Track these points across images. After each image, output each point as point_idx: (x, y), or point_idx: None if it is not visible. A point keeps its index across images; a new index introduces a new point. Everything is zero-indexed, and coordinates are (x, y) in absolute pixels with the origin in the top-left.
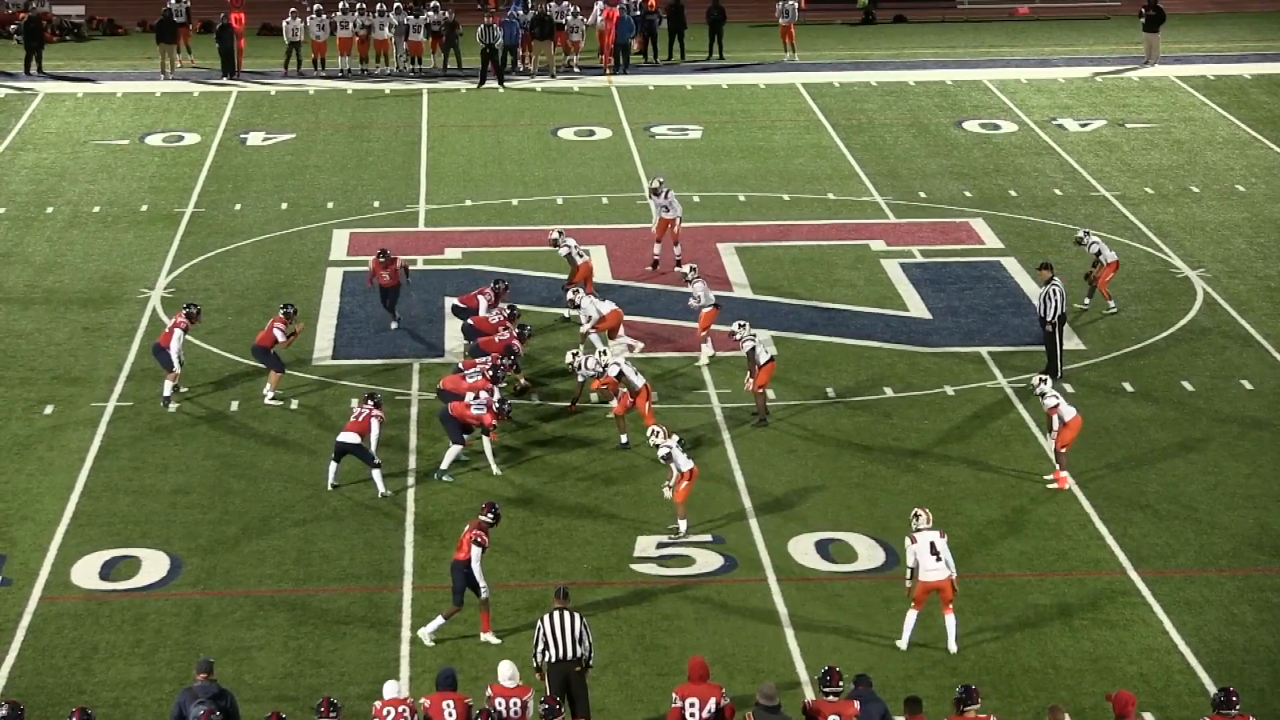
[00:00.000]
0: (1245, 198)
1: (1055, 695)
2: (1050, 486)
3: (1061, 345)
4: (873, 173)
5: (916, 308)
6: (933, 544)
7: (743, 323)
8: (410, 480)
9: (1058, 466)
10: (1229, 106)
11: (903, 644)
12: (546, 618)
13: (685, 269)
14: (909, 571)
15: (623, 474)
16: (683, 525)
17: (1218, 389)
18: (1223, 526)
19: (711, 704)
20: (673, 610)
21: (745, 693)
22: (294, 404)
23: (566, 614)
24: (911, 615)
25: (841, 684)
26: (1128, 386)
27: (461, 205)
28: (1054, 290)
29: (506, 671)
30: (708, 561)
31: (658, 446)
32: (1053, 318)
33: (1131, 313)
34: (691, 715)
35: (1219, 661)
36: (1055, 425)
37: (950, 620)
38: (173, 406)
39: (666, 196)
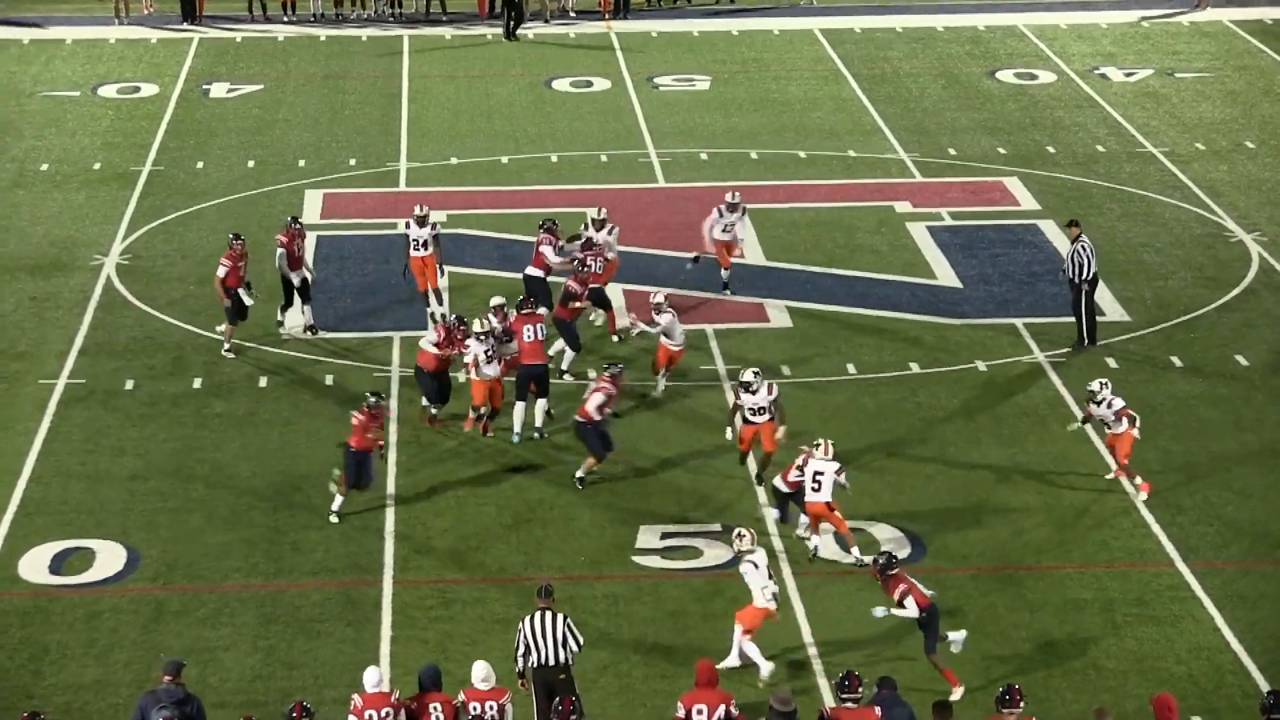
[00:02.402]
0: None
1: (1097, 698)
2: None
3: (1093, 310)
4: (897, 128)
5: (945, 275)
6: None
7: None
8: (391, 462)
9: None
10: None
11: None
12: (528, 620)
13: (657, 297)
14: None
15: (623, 459)
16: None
17: (1275, 363)
18: None
19: (721, 711)
20: (678, 607)
21: (758, 697)
22: (263, 382)
23: (549, 615)
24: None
25: (861, 689)
26: (1176, 361)
27: (446, 163)
28: (1083, 248)
29: (480, 672)
30: (716, 553)
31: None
32: (1086, 278)
33: (1180, 280)
34: None
35: (1275, 661)
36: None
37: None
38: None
39: (742, 214)
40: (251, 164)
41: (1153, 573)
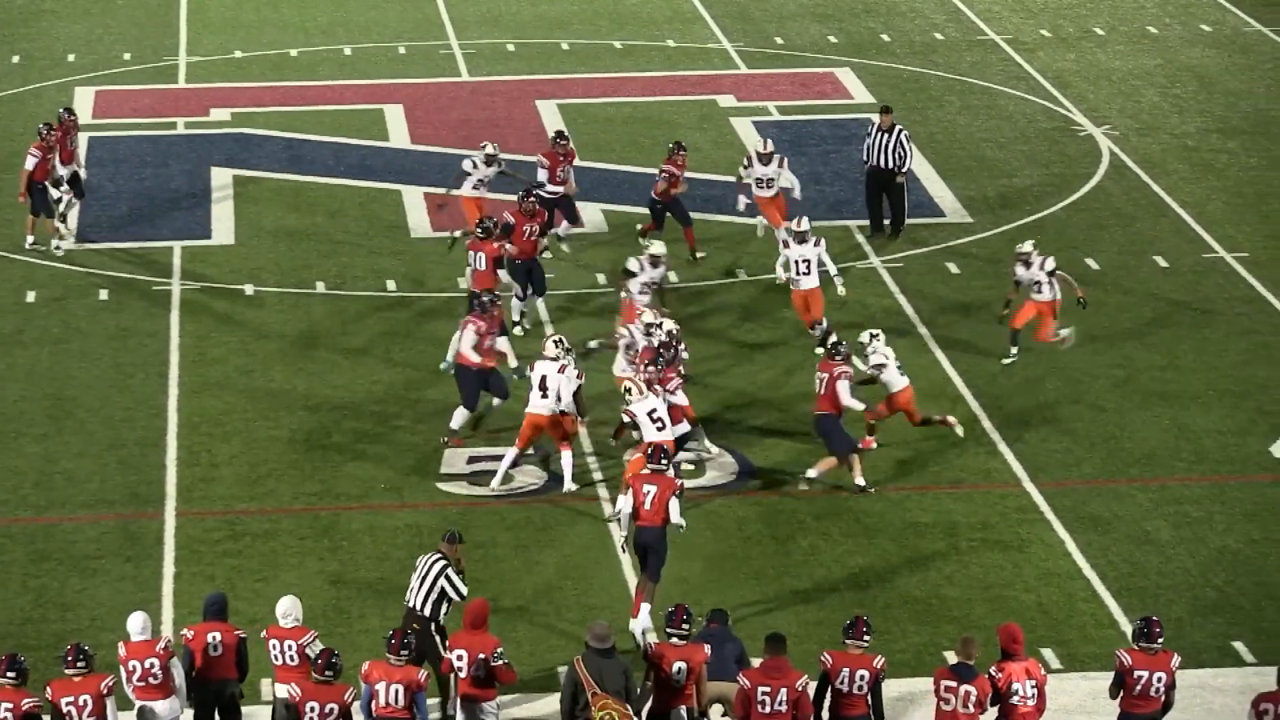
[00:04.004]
0: (1159, 41)
1: (939, 629)
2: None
3: (906, 199)
4: (720, 14)
5: None
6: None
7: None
8: (173, 382)
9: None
10: None
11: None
12: (421, 557)
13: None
14: None
15: (424, 379)
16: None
17: (1127, 267)
18: (1133, 429)
19: (480, 659)
20: (487, 537)
21: (575, 631)
22: (30, 296)
23: (434, 560)
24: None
25: (688, 625)
26: None
27: (230, 57)
28: (907, 136)
29: (282, 608)
30: (526, 478)
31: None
32: (907, 169)
33: (1025, 178)
34: (459, 670)
35: (1129, 587)
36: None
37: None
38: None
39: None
40: (16, 59)
41: (999, 494)
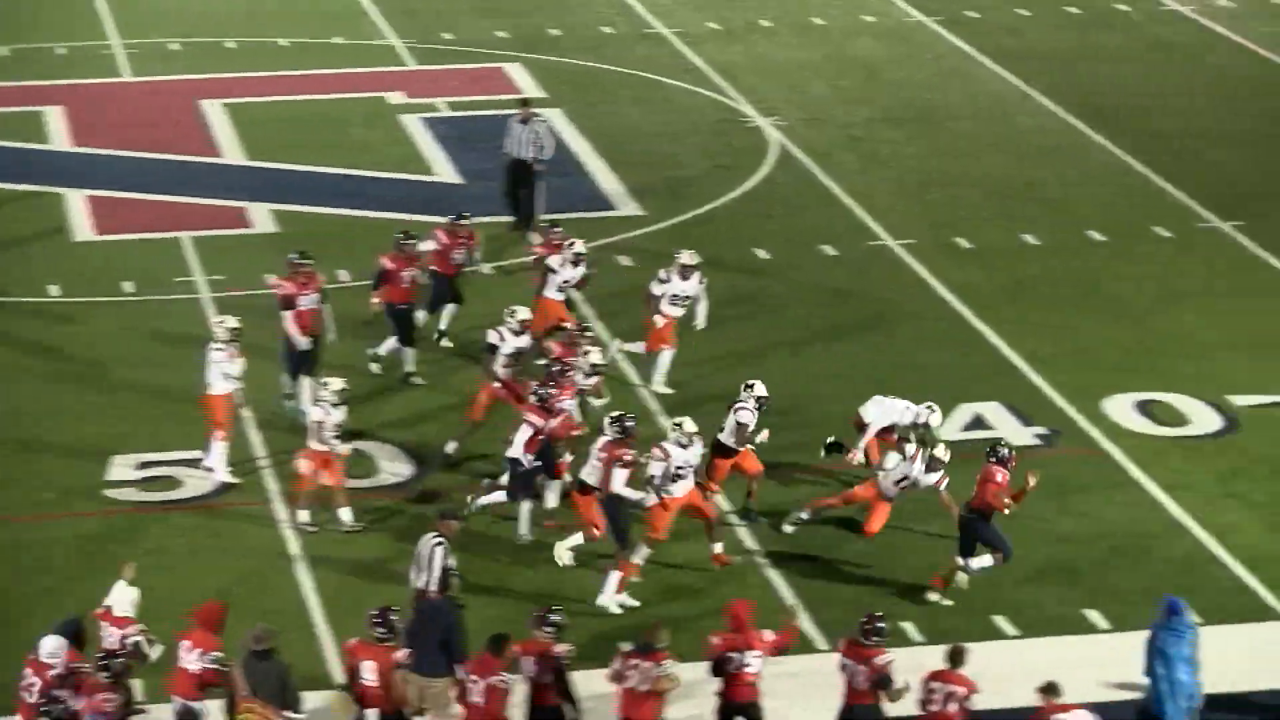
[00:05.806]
0: (824, 32)
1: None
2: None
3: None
4: (386, 10)
5: (445, 171)
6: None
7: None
8: None
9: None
10: None
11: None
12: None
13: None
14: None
15: (88, 380)
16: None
17: (796, 256)
18: (815, 423)
19: (195, 655)
20: (158, 544)
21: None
22: None
23: (430, 541)
24: None
25: (382, 626)
26: None
27: None
28: (548, 128)
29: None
30: (198, 484)
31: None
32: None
33: (696, 170)
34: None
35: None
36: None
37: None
38: None
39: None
40: None
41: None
